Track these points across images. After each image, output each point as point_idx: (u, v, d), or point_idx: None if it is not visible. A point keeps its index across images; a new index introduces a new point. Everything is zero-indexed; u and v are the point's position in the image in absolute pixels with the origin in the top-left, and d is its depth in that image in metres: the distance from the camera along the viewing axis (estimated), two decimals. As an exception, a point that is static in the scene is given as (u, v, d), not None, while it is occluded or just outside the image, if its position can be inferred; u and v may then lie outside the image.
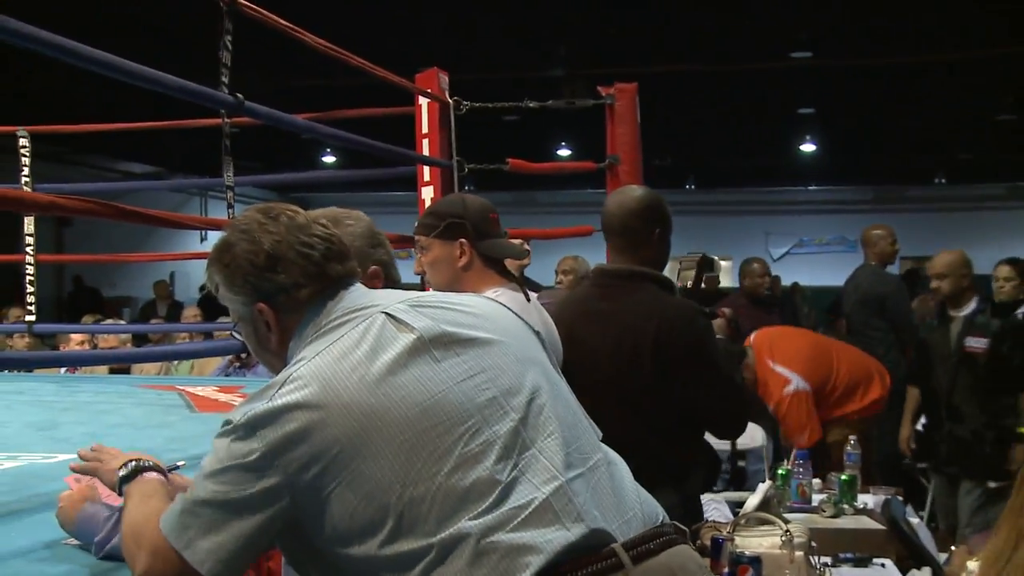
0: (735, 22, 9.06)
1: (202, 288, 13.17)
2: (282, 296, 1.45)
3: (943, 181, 15.82)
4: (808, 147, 14.47)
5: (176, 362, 6.08)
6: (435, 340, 1.38)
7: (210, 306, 9.43)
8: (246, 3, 2.87)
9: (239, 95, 2.91)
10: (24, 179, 4.28)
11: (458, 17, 8.69)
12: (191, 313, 7.30)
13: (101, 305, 11.88)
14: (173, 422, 3.40)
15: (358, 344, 1.36)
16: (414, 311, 1.43)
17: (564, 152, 13.57)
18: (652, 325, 2.39)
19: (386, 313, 1.41)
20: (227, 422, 1.36)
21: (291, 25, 3.14)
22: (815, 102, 12.29)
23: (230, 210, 3.02)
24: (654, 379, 2.37)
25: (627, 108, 4.31)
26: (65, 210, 2.41)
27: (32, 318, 4.36)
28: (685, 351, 2.38)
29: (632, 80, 5.69)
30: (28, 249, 4.23)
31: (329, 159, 14.97)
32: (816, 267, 16.09)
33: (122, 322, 6.17)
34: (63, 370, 5.42)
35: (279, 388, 1.33)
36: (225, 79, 2.86)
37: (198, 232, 15.81)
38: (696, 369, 2.40)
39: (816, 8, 8.65)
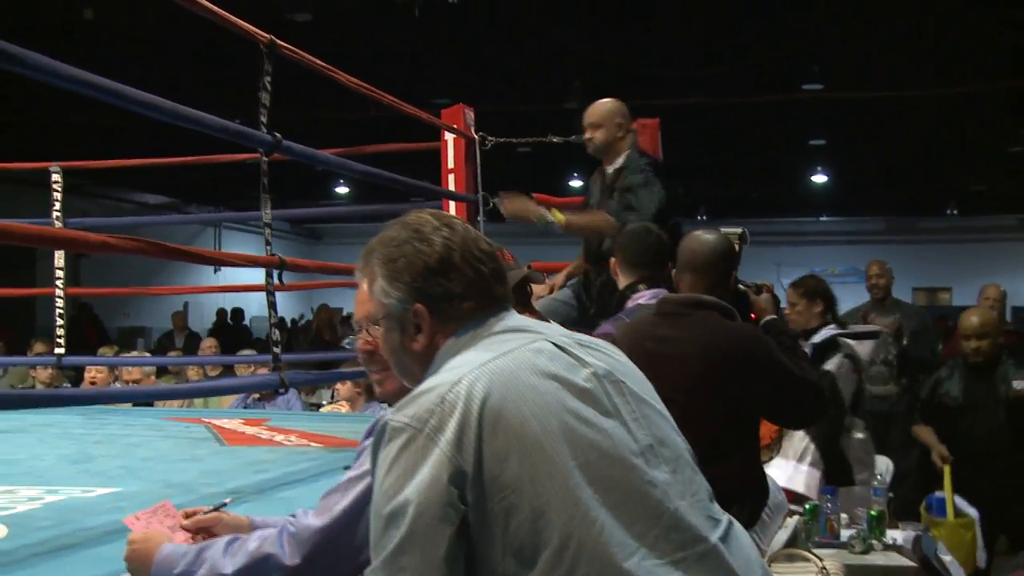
0: (746, 54, 9.14)
1: (217, 318, 13.25)
2: (445, 303, 1.42)
3: (955, 212, 15.87)
4: (820, 178, 14.54)
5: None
6: (606, 378, 1.38)
7: (225, 337, 9.48)
8: (284, 44, 2.93)
9: (277, 134, 2.97)
10: (56, 214, 4.34)
11: (474, 51, 8.79)
12: (208, 344, 7.33)
13: (107, 336, 11.94)
14: (204, 456, 3.42)
15: (534, 362, 1.33)
16: (579, 346, 1.41)
17: (576, 183, 13.64)
18: (716, 349, 2.47)
19: (553, 343, 1.39)
20: (389, 426, 1.29)
21: (326, 65, 3.20)
22: (826, 133, 12.38)
23: (268, 247, 3.07)
24: (715, 403, 2.43)
25: (650, 142, 4.34)
26: (116, 250, 2.45)
27: (61, 351, 4.40)
28: (752, 367, 2.47)
29: (643, 112, 5.74)
30: (58, 283, 4.27)
31: (342, 189, 15.08)
32: (828, 297, 16.08)
33: (147, 354, 6.19)
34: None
35: (452, 387, 1.28)
36: (264, 119, 2.91)
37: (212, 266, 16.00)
38: (766, 379, 2.48)
39: (827, 41, 8.73)
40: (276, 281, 3.19)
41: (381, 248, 1.47)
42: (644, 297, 3.05)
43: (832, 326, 4.05)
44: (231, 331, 12.32)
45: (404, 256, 1.44)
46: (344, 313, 12.36)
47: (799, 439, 3.71)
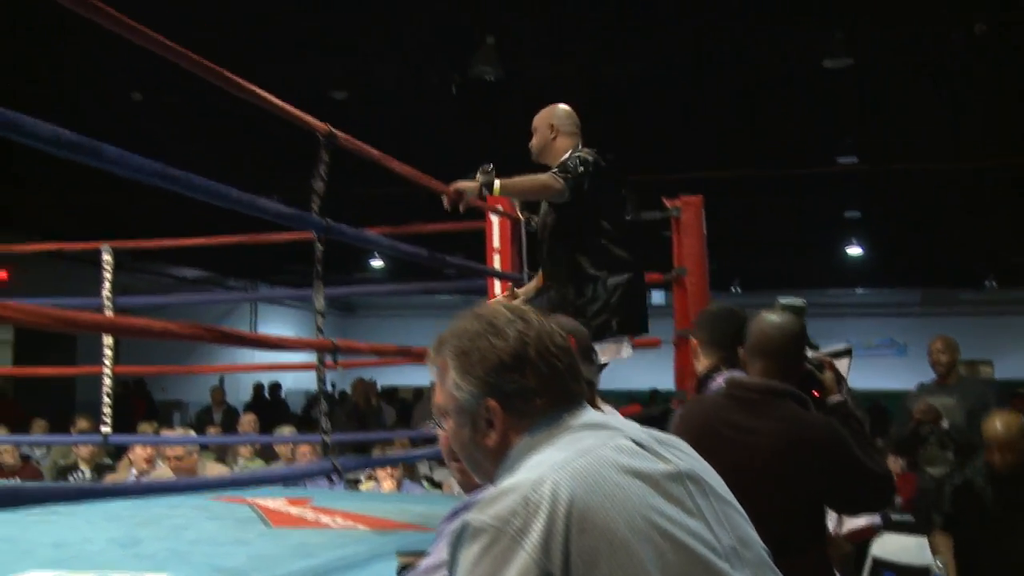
0: (781, 128, 9.20)
1: (254, 392, 13.30)
2: (519, 399, 1.39)
3: (994, 284, 15.70)
4: (855, 250, 14.48)
5: (239, 468, 6.10)
6: (688, 476, 1.35)
7: (263, 411, 9.49)
8: (341, 134, 2.99)
9: (328, 219, 3.02)
10: (106, 294, 4.39)
11: (513, 128, 8.91)
12: (248, 420, 7.34)
13: (155, 409, 12.01)
14: (251, 539, 3.40)
15: (616, 460, 1.30)
16: (659, 443, 1.39)
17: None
18: (795, 442, 2.42)
19: (631, 439, 1.37)
20: (470, 526, 1.25)
21: (381, 153, 3.25)
22: (861, 206, 12.36)
23: (320, 333, 3.09)
24: (791, 495, 2.38)
25: (693, 220, 4.36)
26: (177, 336, 2.47)
27: (108, 430, 4.42)
28: (830, 462, 2.42)
29: (678, 187, 5.75)
30: (106, 362, 4.31)
31: (377, 263, 15.21)
32: (864, 371, 15.91)
33: (191, 431, 6.20)
34: (131, 478, 5.46)
35: (536, 487, 1.24)
36: (316, 206, 2.96)
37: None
38: (843, 474, 2.43)
39: (862, 114, 8.77)
40: (329, 360, 3.19)
41: (453, 340, 1.44)
42: (724, 378, 2.99)
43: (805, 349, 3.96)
44: (268, 406, 12.33)
45: (477, 349, 1.41)
46: (379, 387, 12.37)
47: None
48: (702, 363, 3.02)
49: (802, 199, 11.49)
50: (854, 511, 2.97)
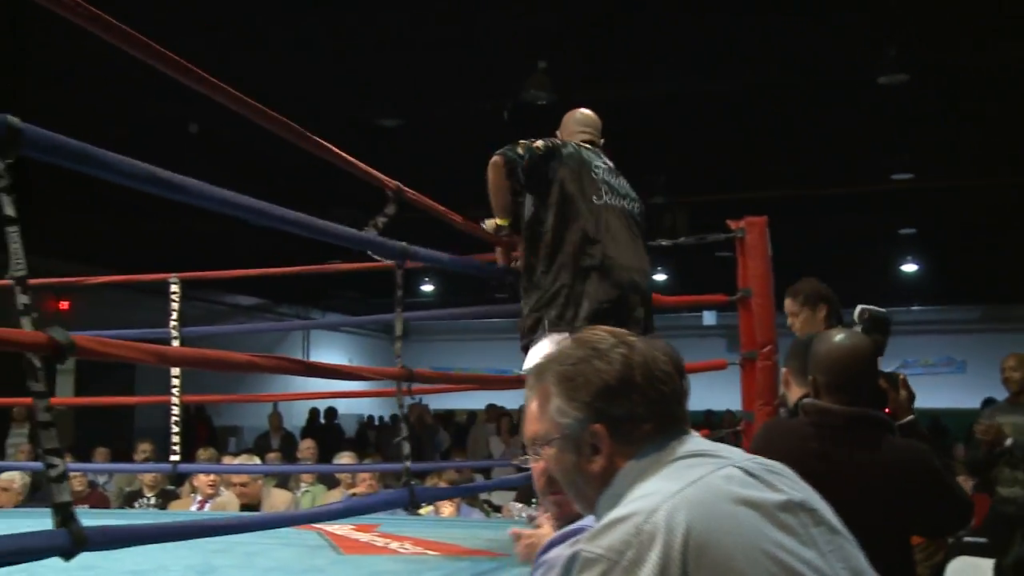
0: (834, 146, 9.15)
1: (309, 416, 13.43)
2: (626, 424, 1.37)
3: (1055, 298, 15.40)
4: (910, 267, 14.29)
5: (301, 493, 6.16)
6: (801, 506, 1.33)
7: (318, 437, 9.57)
8: (408, 190, 3.07)
9: (404, 243, 3.10)
10: (173, 324, 4.47)
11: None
12: (307, 446, 7.41)
13: (215, 435, 12.17)
14: (324, 566, 3.43)
15: (728, 490, 1.28)
16: (769, 472, 1.37)
17: (659, 277, 13.63)
18: (892, 472, 2.39)
19: (741, 468, 1.34)
20: (581, 556, 1.25)
21: (444, 208, 3.32)
22: (916, 222, 12.22)
23: (398, 359, 3.14)
24: (890, 526, 2.35)
25: (758, 241, 4.33)
26: (263, 368, 2.52)
27: (176, 458, 4.49)
28: (928, 491, 2.40)
29: (729, 207, 5.70)
30: (174, 391, 4.38)
31: (427, 288, 15.32)
32: (922, 389, 15.63)
33: (256, 460, 6.28)
34: (194, 506, 5.53)
35: (649, 517, 1.23)
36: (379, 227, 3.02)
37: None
38: (938, 503, 2.41)
39: (917, 129, 8.69)
40: (405, 388, 3.23)
41: (556, 366, 1.43)
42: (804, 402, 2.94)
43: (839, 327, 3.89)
44: (324, 431, 12.43)
45: (582, 374, 1.39)
46: (432, 410, 12.43)
47: None
48: (794, 393, 2.93)
49: (857, 216, 11.38)
50: (937, 535, 2.93)
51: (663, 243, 4.46)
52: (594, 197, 3.33)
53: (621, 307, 3.23)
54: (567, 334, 2.97)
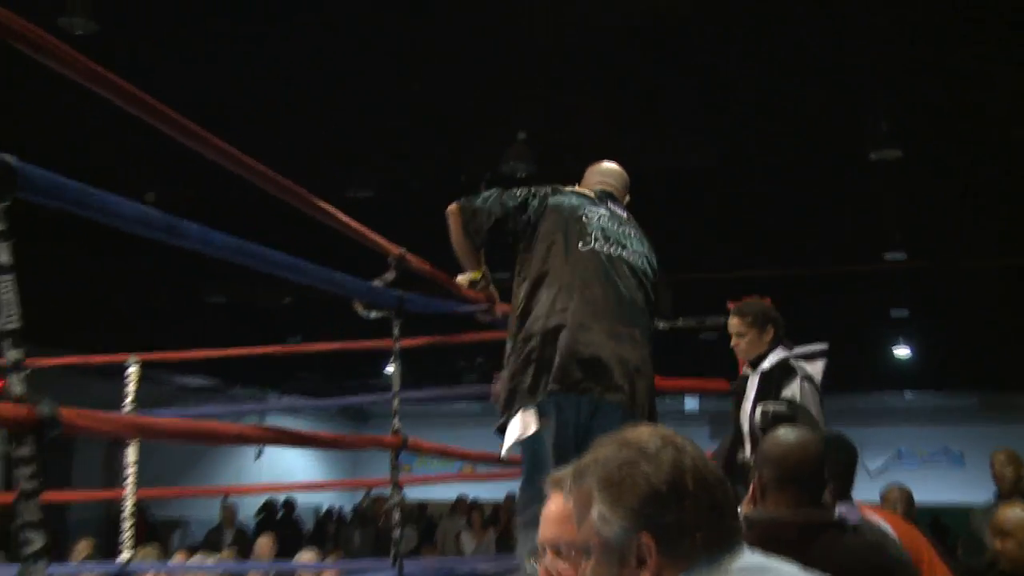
0: (823, 223, 9.28)
1: (258, 513, 13.19)
2: (676, 534, 1.33)
3: (1059, 386, 15.55)
4: (902, 351, 14.43)
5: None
6: None
7: (275, 532, 9.37)
8: (411, 257, 3.12)
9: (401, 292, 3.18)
10: (128, 407, 4.41)
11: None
12: (265, 543, 7.25)
13: (155, 530, 11.87)
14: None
15: None
16: None
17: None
18: None
19: None
20: None
21: (447, 278, 3.34)
22: (909, 304, 12.36)
23: (395, 418, 3.12)
24: None
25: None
26: (251, 440, 2.50)
27: (127, 555, 4.37)
28: None
29: (717, 286, 5.74)
30: (129, 481, 4.29)
31: (391, 369, 15.21)
32: (918, 482, 15.69)
33: (209, 561, 6.11)
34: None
35: None
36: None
37: (253, 452, 16.08)
38: None
39: (911, 207, 8.82)
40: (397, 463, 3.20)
41: (599, 468, 1.39)
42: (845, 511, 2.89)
43: (780, 348, 3.92)
44: (281, 525, 12.18)
45: (629, 478, 1.35)
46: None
47: None
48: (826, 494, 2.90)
49: (846, 297, 11.50)
50: None
51: (660, 326, 4.48)
52: (580, 243, 3.19)
53: (599, 374, 3.00)
54: (534, 410, 2.93)
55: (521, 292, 3.18)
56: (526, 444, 3.00)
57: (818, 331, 12.98)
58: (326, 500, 16.63)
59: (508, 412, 3.05)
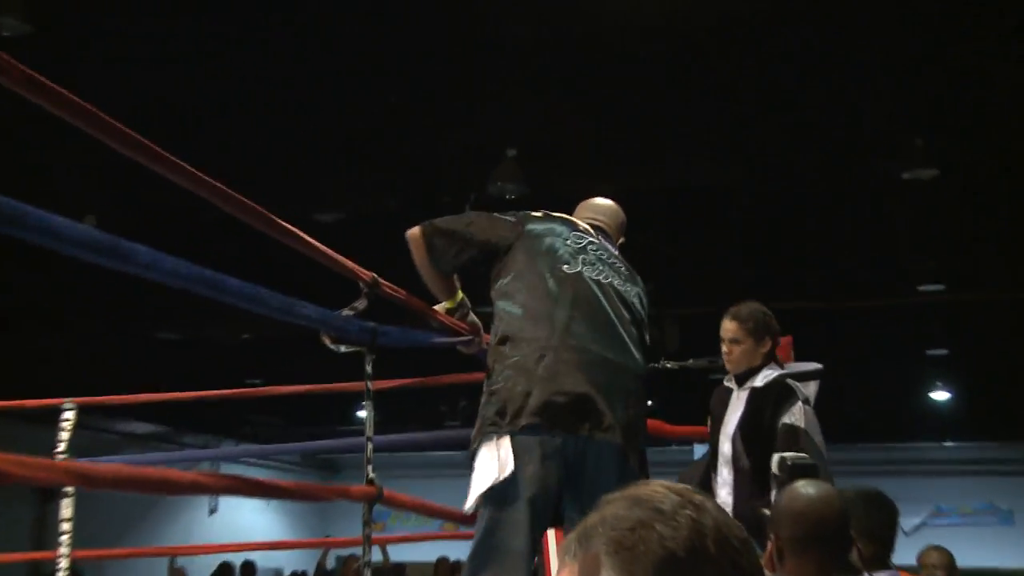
0: (851, 251, 9.29)
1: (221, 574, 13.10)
2: None
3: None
4: (940, 395, 14.46)
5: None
6: None
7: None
8: (385, 283, 3.11)
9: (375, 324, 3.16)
10: (61, 456, 4.38)
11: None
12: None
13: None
14: None
15: None
16: None
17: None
18: None
19: None
20: None
21: (423, 305, 3.36)
22: (948, 342, 12.39)
23: (369, 467, 3.12)
24: None
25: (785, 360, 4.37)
26: (209, 490, 2.49)
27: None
28: None
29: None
30: (64, 539, 4.25)
31: (362, 413, 15.17)
32: (960, 542, 15.64)
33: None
34: None
35: None
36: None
37: (206, 507, 15.99)
38: None
39: (949, 233, 8.84)
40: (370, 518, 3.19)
41: (607, 530, 1.35)
42: None
43: (772, 364, 3.92)
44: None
45: (642, 541, 1.32)
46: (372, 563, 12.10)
47: None
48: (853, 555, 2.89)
49: (877, 334, 11.51)
50: None
51: (668, 366, 4.50)
52: (565, 266, 3.16)
53: (589, 410, 2.92)
54: (506, 439, 2.84)
55: (498, 317, 3.16)
56: (492, 493, 2.86)
57: (844, 372, 13.00)
58: (290, 562, 16.52)
59: (477, 440, 2.97)
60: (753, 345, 3.88)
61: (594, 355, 3.01)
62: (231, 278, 2.52)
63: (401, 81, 6.51)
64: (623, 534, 1.34)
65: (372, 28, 6.01)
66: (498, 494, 2.85)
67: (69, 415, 4.36)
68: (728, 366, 3.96)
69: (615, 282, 3.25)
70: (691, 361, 4.69)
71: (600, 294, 3.16)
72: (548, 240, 3.22)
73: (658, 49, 6.07)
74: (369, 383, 3.22)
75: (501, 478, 2.82)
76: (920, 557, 5.53)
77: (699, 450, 15.99)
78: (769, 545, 2.68)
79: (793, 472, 3.15)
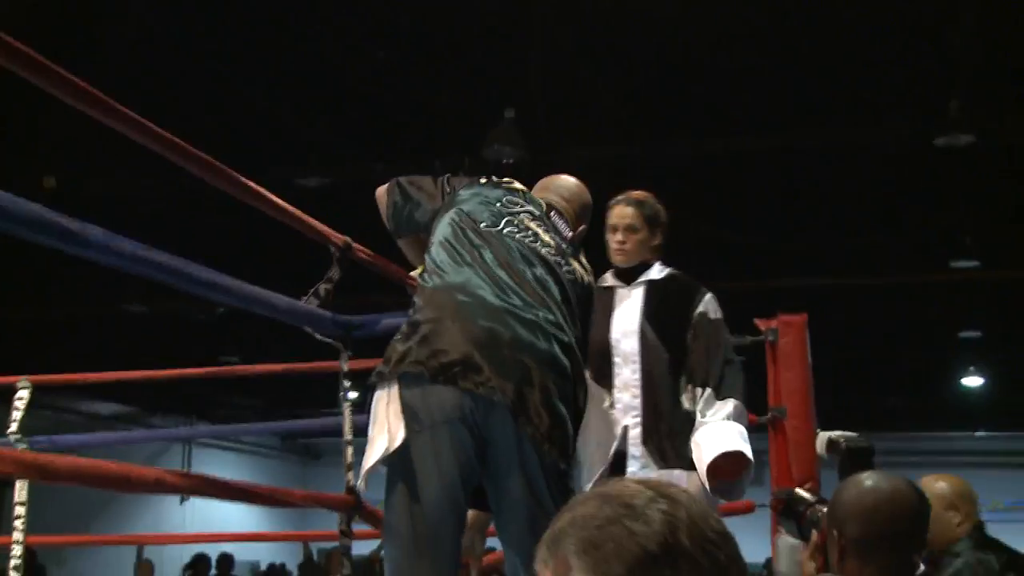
0: (879, 224, 9.25)
1: (186, 570, 13.14)
2: None
3: None
4: (973, 380, 14.47)
5: None
6: None
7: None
8: (359, 247, 3.12)
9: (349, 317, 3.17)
10: (14, 435, 4.37)
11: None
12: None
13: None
14: None
15: None
16: None
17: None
18: None
19: None
20: None
21: (404, 273, 3.35)
22: (982, 324, 12.38)
23: (349, 473, 3.11)
24: None
25: (795, 346, 4.35)
26: (168, 488, 2.48)
27: (21, 623, 4.32)
28: None
29: (747, 299, 5.65)
30: (18, 523, 4.23)
31: (353, 395, 15.20)
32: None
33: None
34: None
35: None
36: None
37: (177, 497, 15.99)
38: None
39: (985, 205, 8.80)
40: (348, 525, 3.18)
41: (576, 531, 1.38)
42: None
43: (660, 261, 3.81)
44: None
45: (613, 540, 1.34)
46: (354, 557, 12.14)
47: None
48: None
49: (905, 315, 11.48)
50: None
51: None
52: (483, 224, 3.08)
53: (521, 377, 2.76)
54: (396, 389, 2.71)
55: (426, 268, 3.09)
56: (392, 469, 2.77)
57: (868, 356, 12.89)
58: (268, 554, 16.57)
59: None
60: (648, 235, 3.75)
61: (514, 314, 2.86)
62: (197, 265, 2.51)
63: (389, 36, 6.49)
64: (593, 533, 1.35)
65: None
66: (396, 467, 2.80)
67: (23, 394, 4.33)
68: (618, 258, 3.77)
69: (539, 247, 3.11)
70: None
71: (531, 258, 3.05)
72: (481, 199, 3.17)
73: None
74: (345, 382, 3.17)
75: (394, 445, 2.74)
76: None
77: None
78: (815, 537, 2.66)
79: (852, 457, 3.10)
